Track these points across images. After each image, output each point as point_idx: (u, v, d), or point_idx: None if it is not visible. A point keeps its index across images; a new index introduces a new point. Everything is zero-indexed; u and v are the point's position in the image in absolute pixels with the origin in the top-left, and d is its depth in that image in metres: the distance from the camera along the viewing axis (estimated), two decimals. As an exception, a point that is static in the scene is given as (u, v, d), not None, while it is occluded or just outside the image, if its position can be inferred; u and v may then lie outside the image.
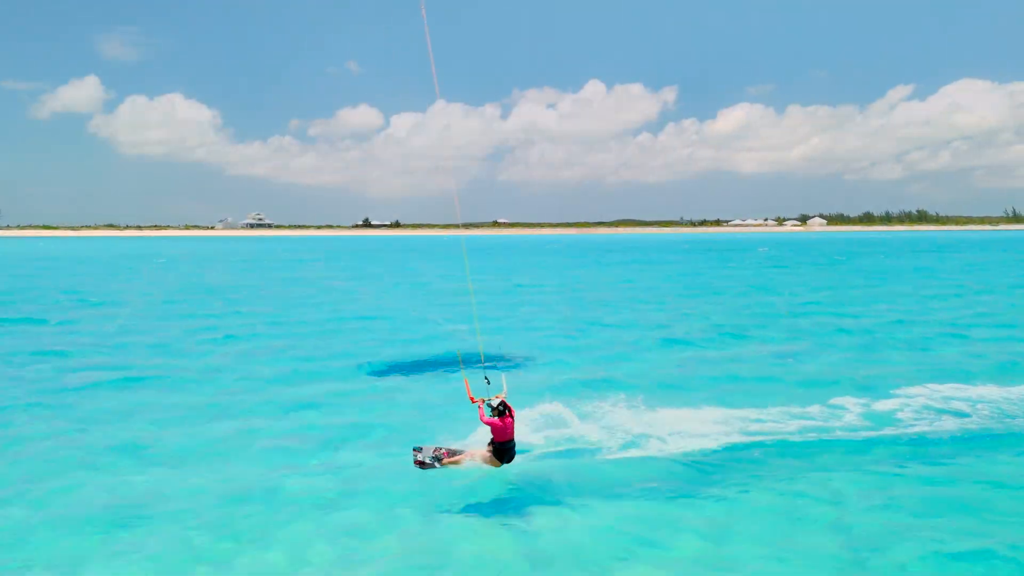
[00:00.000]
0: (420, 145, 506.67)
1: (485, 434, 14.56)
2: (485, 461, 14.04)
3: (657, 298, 49.70)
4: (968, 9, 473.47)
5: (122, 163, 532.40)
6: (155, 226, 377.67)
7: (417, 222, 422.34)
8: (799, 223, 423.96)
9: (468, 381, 14.64)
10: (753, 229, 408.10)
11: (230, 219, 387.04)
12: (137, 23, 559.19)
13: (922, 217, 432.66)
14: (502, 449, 13.79)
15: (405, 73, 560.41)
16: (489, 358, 25.48)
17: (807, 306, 43.38)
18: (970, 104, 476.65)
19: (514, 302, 47.40)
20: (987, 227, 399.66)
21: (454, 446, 15.05)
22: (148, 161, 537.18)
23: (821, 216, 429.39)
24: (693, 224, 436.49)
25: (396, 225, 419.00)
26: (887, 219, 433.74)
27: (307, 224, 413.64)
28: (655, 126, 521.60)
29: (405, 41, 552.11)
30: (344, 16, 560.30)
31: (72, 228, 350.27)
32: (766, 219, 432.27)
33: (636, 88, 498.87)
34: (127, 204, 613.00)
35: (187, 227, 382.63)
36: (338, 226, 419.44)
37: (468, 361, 15.53)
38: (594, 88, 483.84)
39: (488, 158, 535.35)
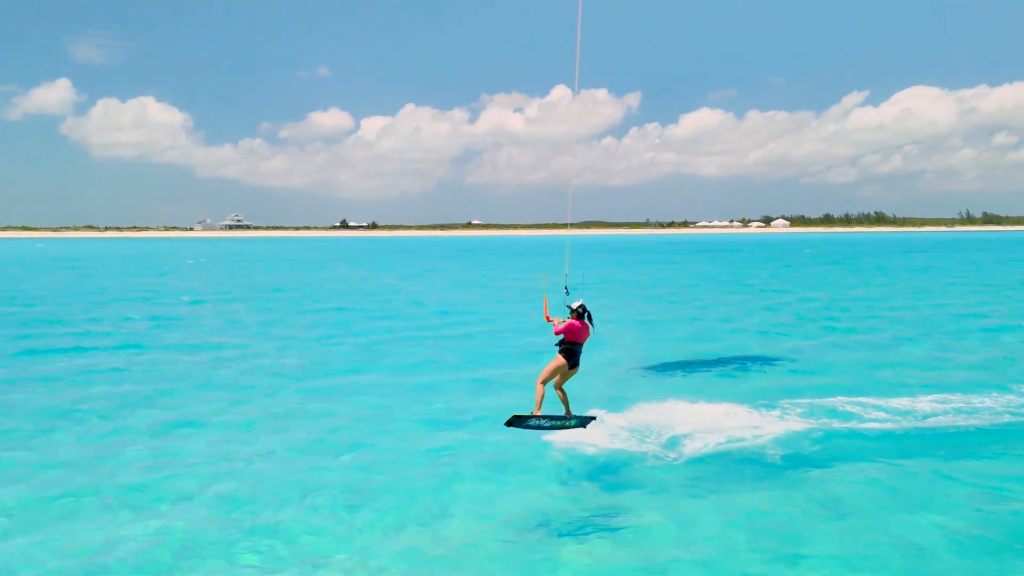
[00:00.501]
0: (390, 148, 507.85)
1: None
2: (554, 371, 14.59)
3: (709, 295, 52.21)
4: (919, 19, 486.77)
5: (94, 165, 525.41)
6: (134, 227, 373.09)
7: (389, 223, 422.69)
8: (763, 224, 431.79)
9: (547, 300, 14.96)
10: (720, 230, 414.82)
11: (209, 220, 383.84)
12: (108, 26, 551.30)
13: (880, 219, 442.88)
14: (570, 350, 14.32)
15: (374, 77, 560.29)
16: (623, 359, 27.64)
17: (859, 302, 46.20)
18: (921, 110, 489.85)
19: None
20: (943, 228, 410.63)
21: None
22: (120, 163, 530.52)
23: (784, 218, 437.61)
24: (661, 225, 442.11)
25: (373, 226, 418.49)
26: (847, 220, 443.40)
27: (285, 225, 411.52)
28: (619, 130, 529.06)
29: (375, 46, 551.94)
30: (315, 22, 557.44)
31: (52, 229, 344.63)
32: (731, 221, 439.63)
33: (601, 93, 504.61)
34: (100, 205, 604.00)
35: (167, 228, 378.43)
36: (316, 227, 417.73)
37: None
38: (561, 93, 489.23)
39: (456, 161, 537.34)
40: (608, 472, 15.15)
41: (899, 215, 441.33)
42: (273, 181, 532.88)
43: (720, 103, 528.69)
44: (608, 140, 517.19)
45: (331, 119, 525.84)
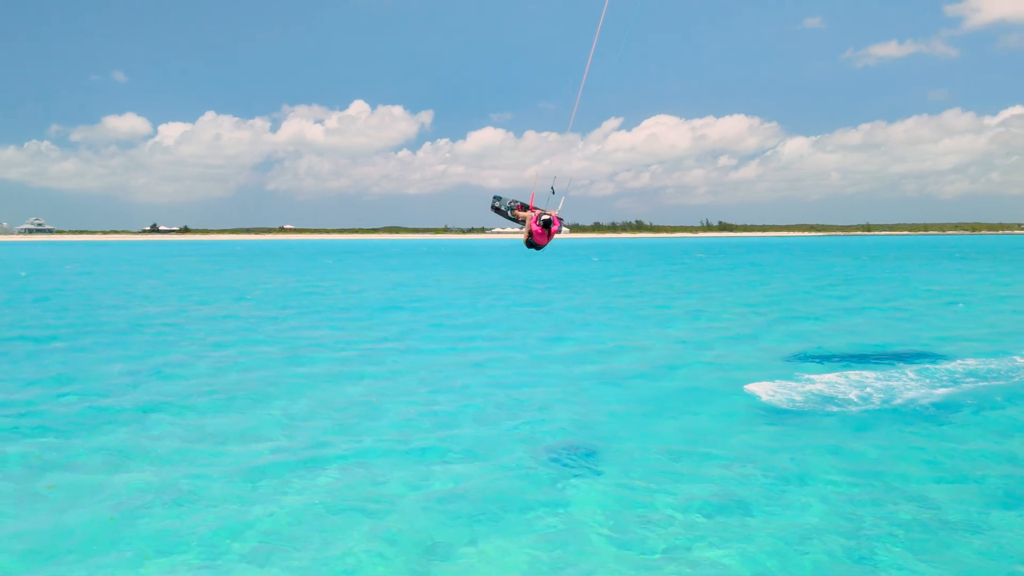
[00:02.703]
0: (189, 153, 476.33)
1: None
2: (524, 235, 15.39)
3: (659, 296, 58.44)
4: (663, 60, 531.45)
5: None
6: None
7: (193, 227, 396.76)
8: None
9: (535, 194, 15.33)
10: (514, 235, 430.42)
11: (6, 224, 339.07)
12: None
13: (639, 226, 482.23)
14: (532, 244, 15.11)
15: (174, 84, 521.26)
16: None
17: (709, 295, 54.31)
18: (663, 135, 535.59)
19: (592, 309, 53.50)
20: (689, 234, 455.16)
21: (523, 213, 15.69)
22: None
23: (564, 226, 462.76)
24: (463, 231, 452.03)
25: (185, 230, 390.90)
26: (613, 227, 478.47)
27: (88, 229, 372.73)
28: (414, 144, 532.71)
29: (173, 54, 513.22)
30: (109, 26, 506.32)
31: None
32: (521, 228, 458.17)
33: (397, 109, 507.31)
34: None
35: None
36: (124, 231, 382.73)
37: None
38: (359, 107, 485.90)
39: (257, 168, 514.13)
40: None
41: (652, 223, 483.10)
42: (64, 184, 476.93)
43: (502, 123, 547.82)
44: (404, 152, 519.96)
45: (127, 124, 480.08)
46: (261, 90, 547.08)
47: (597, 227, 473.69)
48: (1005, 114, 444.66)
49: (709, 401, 19.92)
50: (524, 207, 15.80)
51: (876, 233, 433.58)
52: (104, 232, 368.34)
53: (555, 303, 45.78)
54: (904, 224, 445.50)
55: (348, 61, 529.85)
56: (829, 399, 19.51)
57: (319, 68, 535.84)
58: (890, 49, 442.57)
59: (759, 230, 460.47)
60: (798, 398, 19.75)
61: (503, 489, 13.39)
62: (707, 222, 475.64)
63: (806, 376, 22.22)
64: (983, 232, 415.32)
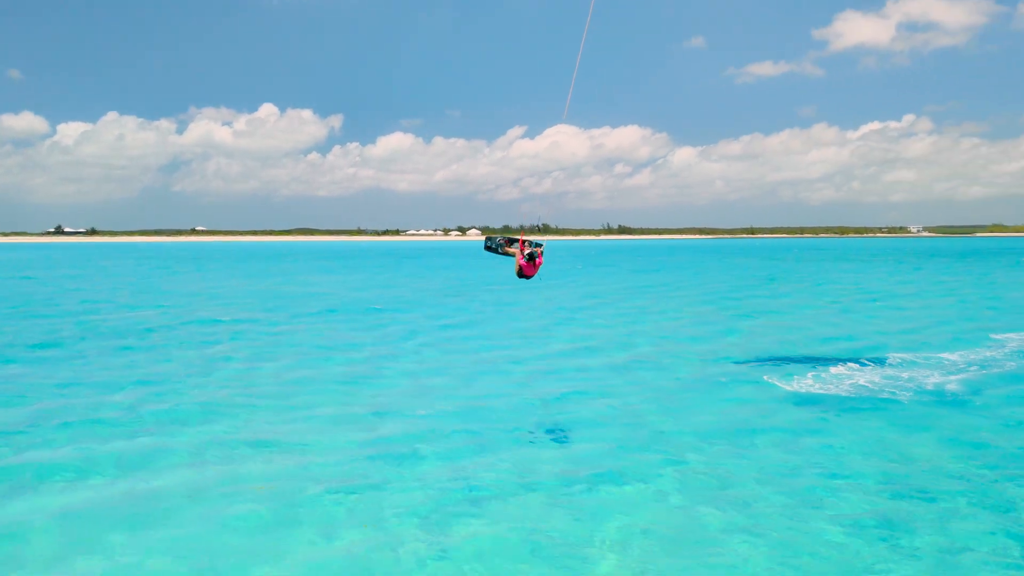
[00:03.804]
0: (90, 154, 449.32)
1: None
2: (516, 266, 17.64)
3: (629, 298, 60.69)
4: (556, 71, 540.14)
5: None
6: None
7: (94, 229, 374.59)
8: (460, 233, 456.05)
9: (524, 234, 18.06)
10: (428, 238, 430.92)
11: None
12: None
13: (546, 229, 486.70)
14: (522, 275, 17.28)
15: (73, 83, 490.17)
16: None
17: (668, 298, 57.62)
18: (564, 143, 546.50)
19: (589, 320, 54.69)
20: (592, 237, 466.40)
21: (511, 248, 18.66)
22: None
23: (475, 228, 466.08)
24: (377, 233, 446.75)
25: (93, 232, 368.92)
26: (522, 229, 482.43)
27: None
28: (324, 147, 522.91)
29: (72, 51, 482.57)
30: (4, 22, 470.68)
31: None
32: (435, 230, 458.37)
33: (307, 113, 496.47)
34: None
35: None
36: (24, 232, 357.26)
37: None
38: (268, 110, 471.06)
39: (163, 169, 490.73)
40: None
41: (557, 227, 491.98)
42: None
43: (411, 129, 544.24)
44: (313, 155, 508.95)
45: (23, 122, 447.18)
46: (167, 92, 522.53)
47: (507, 230, 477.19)
48: (864, 129, 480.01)
49: (734, 390, 21.69)
50: (511, 242, 18.12)
51: (759, 236, 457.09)
52: (4, 234, 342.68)
53: (532, 303, 47.42)
54: (782, 227, 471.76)
55: (257, 64, 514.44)
56: (835, 386, 21.96)
57: (227, 71, 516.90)
58: (765, 68, 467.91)
59: (655, 233, 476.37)
60: (808, 384, 22.12)
61: (601, 471, 14.26)
62: (608, 225, 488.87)
63: (807, 367, 24.67)
64: (850, 235, 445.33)
